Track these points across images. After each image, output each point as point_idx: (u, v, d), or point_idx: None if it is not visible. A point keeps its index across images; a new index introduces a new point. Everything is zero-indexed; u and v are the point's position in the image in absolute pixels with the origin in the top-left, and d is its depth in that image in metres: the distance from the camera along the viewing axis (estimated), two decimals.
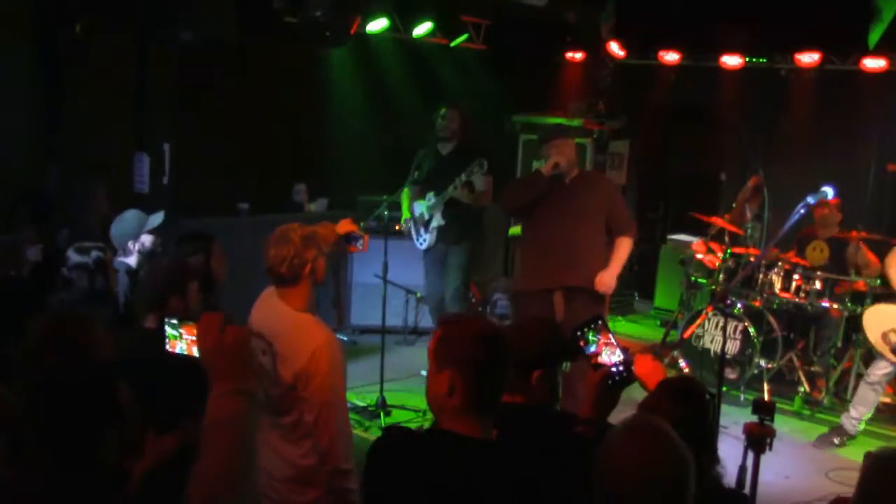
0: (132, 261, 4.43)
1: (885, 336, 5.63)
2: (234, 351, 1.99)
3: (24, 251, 4.38)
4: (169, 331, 2.20)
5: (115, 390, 1.90)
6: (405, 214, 6.72)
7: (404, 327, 7.53)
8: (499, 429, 2.22)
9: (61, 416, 1.83)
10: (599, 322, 2.70)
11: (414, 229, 6.68)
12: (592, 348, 2.68)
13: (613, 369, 2.59)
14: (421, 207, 6.60)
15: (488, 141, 6.92)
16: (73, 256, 3.89)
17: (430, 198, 6.51)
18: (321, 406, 2.93)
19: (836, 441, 5.74)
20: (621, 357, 2.64)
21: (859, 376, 6.15)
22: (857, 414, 5.76)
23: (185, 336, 2.18)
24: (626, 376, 2.58)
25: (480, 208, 6.78)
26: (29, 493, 1.76)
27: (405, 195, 6.75)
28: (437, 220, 6.50)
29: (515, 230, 8.03)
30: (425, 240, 6.62)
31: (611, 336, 2.68)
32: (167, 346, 2.21)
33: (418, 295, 6.82)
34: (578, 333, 2.70)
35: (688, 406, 2.48)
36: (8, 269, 4.35)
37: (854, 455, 5.48)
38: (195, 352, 2.12)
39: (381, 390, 5.79)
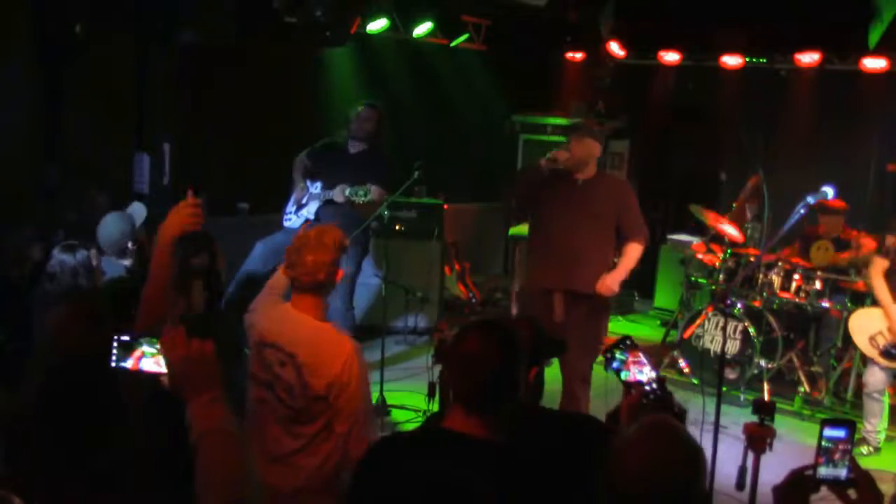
0: (128, 262, 4.41)
1: (872, 340, 5.60)
2: (205, 361, 1.99)
3: (28, 250, 4.37)
4: (147, 349, 2.09)
5: (119, 391, 1.89)
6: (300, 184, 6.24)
7: (404, 327, 7.53)
8: (512, 430, 2.20)
9: (67, 416, 1.82)
10: (628, 342, 2.67)
11: (293, 201, 6.26)
12: (616, 365, 2.65)
13: (647, 388, 2.56)
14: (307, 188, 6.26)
15: (400, 150, 6.37)
16: (57, 255, 3.79)
17: (316, 187, 6.14)
18: (356, 414, 2.88)
19: (864, 452, 5.66)
20: (653, 374, 2.60)
21: (859, 376, 6.14)
22: (872, 427, 5.71)
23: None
24: (660, 394, 2.55)
25: (359, 217, 5.86)
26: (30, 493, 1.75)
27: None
28: (308, 213, 6.09)
29: (515, 230, 8.01)
30: (290, 219, 6.21)
31: (640, 355, 2.64)
32: (134, 364, 2.09)
33: (419, 294, 6.79)
34: (608, 355, 2.67)
35: None
36: (9, 268, 4.34)
37: (867, 462, 5.41)
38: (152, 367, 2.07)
39: (381, 390, 5.79)
